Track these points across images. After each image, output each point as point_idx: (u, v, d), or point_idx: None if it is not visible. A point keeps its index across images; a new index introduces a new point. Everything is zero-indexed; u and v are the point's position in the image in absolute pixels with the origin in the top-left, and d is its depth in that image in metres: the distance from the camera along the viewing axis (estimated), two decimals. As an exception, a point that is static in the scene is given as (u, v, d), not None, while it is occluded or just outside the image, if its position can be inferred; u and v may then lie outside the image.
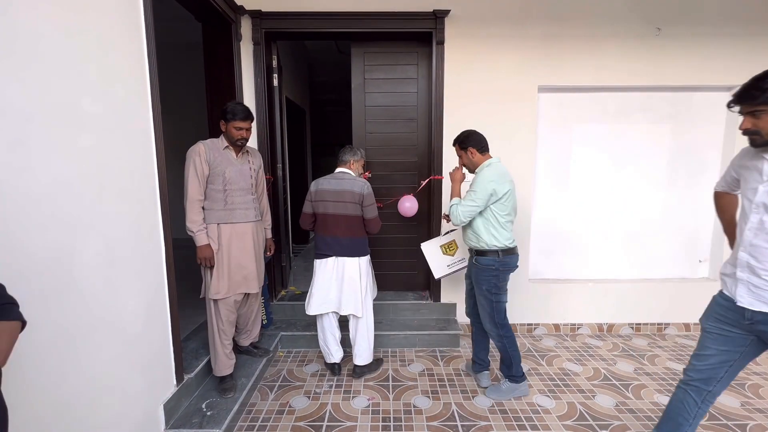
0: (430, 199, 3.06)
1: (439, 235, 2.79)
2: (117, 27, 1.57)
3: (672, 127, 3.10)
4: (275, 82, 3.12)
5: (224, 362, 2.16)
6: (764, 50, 2.87)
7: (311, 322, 3.01)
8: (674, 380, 2.43)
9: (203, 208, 2.06)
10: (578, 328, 3.16)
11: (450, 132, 2.90)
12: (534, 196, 3.11)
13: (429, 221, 3.12)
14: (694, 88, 3.00)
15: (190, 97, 4.60)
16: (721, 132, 3.08)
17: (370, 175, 2.96)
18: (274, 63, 3.08)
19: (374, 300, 2.54)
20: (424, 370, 2.57)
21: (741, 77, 2.91)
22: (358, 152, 2.44)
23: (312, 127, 7.65)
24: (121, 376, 1.56)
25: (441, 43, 2.83)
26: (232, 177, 2.07)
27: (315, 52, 5.40)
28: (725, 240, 3.08)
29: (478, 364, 2.43)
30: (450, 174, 2.28)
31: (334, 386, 2.39)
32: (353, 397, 2.28)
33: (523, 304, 3.10)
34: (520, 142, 2.95)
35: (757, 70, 2.90)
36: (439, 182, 2.99)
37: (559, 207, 3.17)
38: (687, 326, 3.15)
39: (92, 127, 1.42)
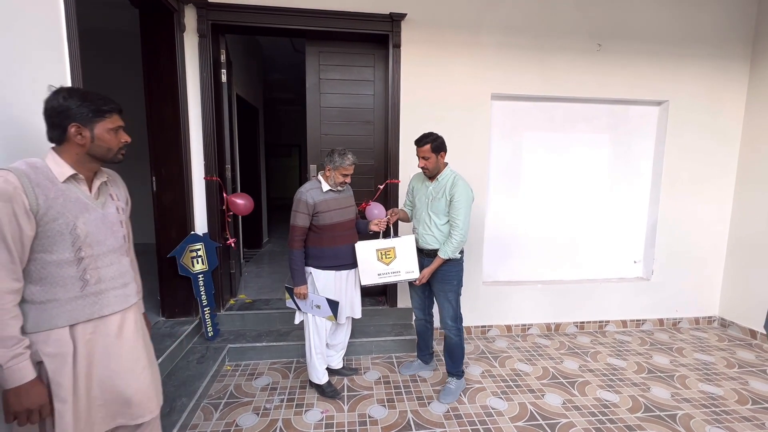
0: (387, 203, 3.03)
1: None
2: (27, 8, 1.37)
3: (611, 137, 3.32)
4: (223, 78, 2.94)
5: None
6: (687, 70, 3.17)
7: (262, 333, 2.86)
8: (614, 375, 2.59)
9: (29, 301, 1.08)
10: (529, 329, 3.28)
11: (407, 136, 2.90)
12: (487, 202, 3.18)
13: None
14: (630, 101, 3.23)
15: (128, 91, 4.21)
16: (651, 144, 3.35)
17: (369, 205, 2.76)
18: (222, 57, 2.90)
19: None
20: (380, 378, 2.52)
21: (668, 94, 3.22)
22: (335, 158, 2.10)
23: (267, 127, 7.37)
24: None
25: (397, 46, 2.82)
26: (90, 232, 1.14)
27: (269, 49, 5.20)
28: (656, 243, 3.38)
29: (430, 353, 2.62)
30: (424, 275, 2.23)
31: (285, 400, 2.27)
32: (306, 410, 2.18)
33: (477, 307, 3.16)
34: (474, 148, 3.01)
35: (681, 89, 3.20)
36: (396, 186, 2.97)
37: (510, 212, 3.28)
38: (624, 323, 3.38)
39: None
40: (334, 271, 2.23)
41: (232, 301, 3.10)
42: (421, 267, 2.27)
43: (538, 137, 3.23)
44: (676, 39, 3.12)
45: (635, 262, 3.49)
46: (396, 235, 2.34)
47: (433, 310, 2.52)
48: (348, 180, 2.20)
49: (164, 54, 2.53)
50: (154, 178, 2.62)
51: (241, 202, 2.88)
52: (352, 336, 2.77)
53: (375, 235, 2.28)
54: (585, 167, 3.32)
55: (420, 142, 2.16)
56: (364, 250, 2.21)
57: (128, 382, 1.22)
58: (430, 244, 2.25)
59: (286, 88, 7.07)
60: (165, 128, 2.58)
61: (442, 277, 2.25)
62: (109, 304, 1.20)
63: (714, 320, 3.51)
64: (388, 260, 2.21)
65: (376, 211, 2.76)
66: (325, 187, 2.19)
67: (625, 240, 3.45)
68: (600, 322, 3.36)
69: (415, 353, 2.84)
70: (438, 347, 2.84)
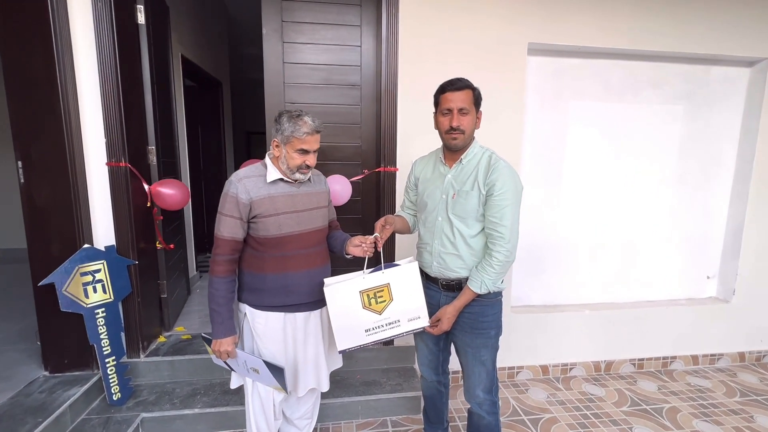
0: (378, 196, 2.16)
1: (375, 266, 1.34)
2: None
3: (685, 110, 2.44)
4: (140, 18, 2.02)
5: None
6: (796, 15, 2.29)
7: (199, 388, 1.98)
8: (715, 457, 1.75)
9: None
10: (571, 369, 2.43)
11: (408, 105, 2.03)
12: (518, 197, 2.31)
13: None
14: (713, 59, 2.36)
15: None
16: (738, 119, 2.49)
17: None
18: (137, -14, 1.98)
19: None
20: (368, 468, 1.66)
21: (766, 50, 2.34)
22: (284, 124, 1.26)
23: (245, 113, 6.43)
24: None
25: (395, -31, 1.92)
26: None
27: (236, 9, 4.25)
28: (741, 253, 2.55)
29: (444, 428, 1.74)
30: (444, 322, 1.34)
31: None
32: None
33: (503, 342, 2.30)
34: (503, 123, 2.12)
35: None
36: (392, 177, 2.09)
37: (548, 210, 2.41)
38: (695, 359, 2.55)
39: None
40: (282, 314, 1.35)
41: (161, 339, 2.21)
42: (436, 307, 1.40)
43: (588, 109, 2.35)
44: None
45: (708, 277, 2.64)
46: (387, 260, 1.39)
47: (449, 367, 1.66)
48: (310, 161, 1.30)
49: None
50: (20, 164, 1.71)
51: (170, 192, 2.05)
52: (327, 392, 1.91)
53: (353, 261, 1.40)
54: (650, 150, 2.44)
55: (454, 84, 1.30)
56: (340, 296, 1.27)
57: None
58: (453, 270, 1.37)
59: (262, 65, 6.11)
60: (31, 86, 1.67)
61: (472, 323, 1.38)
62: None
63: (807, 353, 2.69)
64: (381, 306, 1.29)
65: (337, 187, 1.93)
66: (273, 174, 1.31)
67: (696, 249, 2.60)
68: (664, 358, 2.53)
69: (420, 416, 1.98)
70: (454, 406, 1.99)
